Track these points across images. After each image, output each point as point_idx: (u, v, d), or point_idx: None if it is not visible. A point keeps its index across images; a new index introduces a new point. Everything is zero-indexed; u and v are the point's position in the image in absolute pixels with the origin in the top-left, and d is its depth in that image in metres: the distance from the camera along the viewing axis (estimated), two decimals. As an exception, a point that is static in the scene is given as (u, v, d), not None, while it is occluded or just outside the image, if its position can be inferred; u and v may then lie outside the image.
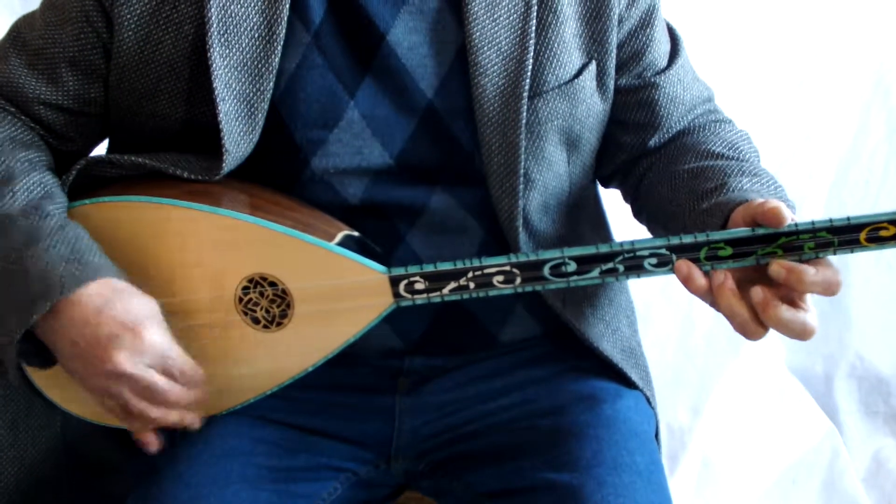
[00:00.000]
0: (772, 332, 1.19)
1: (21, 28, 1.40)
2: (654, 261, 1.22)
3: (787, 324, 1.18)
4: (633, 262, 1.22)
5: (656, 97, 1.45)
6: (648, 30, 1.44)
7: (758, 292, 1.19)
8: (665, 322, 2.43)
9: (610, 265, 1.22)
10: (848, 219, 1.17)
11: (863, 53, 2.42)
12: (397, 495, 1.48)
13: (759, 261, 1.20)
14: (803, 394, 2.51)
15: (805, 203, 2.47)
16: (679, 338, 2.44)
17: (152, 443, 1.31)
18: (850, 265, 2.48)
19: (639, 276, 1.23)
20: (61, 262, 1.22)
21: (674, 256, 1.21)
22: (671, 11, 2.11)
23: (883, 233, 1.16)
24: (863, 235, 1.17)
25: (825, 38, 2.41)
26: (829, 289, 1.19)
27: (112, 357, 1.20)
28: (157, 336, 1.22)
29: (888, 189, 2.48)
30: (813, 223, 1.17)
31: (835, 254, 1.18)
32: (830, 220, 1.17)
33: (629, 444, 1.35)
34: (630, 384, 1.45)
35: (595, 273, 1.23)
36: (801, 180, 2.46)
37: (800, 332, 1.19)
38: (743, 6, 2.38)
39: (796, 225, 1.17)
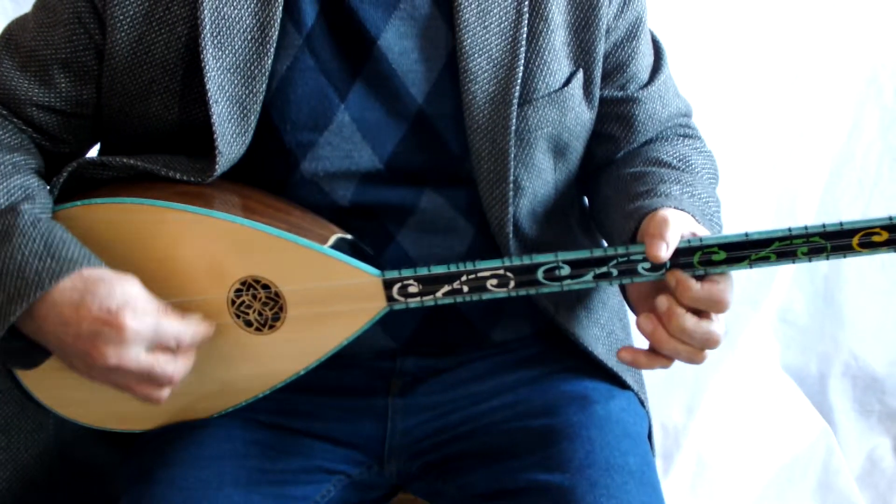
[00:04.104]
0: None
1: (13, 30, 1.40)
2: (647, 265, 1.22)
3: (691, 332, 1.21)
4: (627, 266, 1.22)
5: (635, 112, 1.46)
6: (634, 42, 1.45)
7: (662, 301, 1.22)
8: (658, 322, 2.42)
9: (604, 269, 1.22)
10: (841, 224, 1.17)
11: (856, 51, 2.42)
12: (391, 497, 1.48)
13: (753, 265, 1.20)
14: (798, 393, 2.51)
15: (799, 202, 2.46)
16: (673, 336, 2.44)
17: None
18: (845, 264, 2.49)
19: (632, 280, 1.23)
20: (35, 258, 1.21)
21: (667, 261, 1.21)
22: (666, 8, 2.12)
23: (875, 238, 1.17)
24: (855, 241, 1.17)
25: (818, 37, 2.40)
26: (714, 306, 1.22)
27: (100, 353, 1.20)
28: (138, 321, 1.20)
29: (882, 187, 2.47)
30: (806, 228, 1.17)
31: (828, 259, 1.19)
32: (823, 226, 1.17)
33: (622, 445, 1.35)
34: (623, 385, 1.45)
35: (589, 277, 1.23)
36: (794, 179, 2.46)
37: (703, 342, 1.22)
38: (736, 4, 2.38)
39: (789, 230, 1.18)
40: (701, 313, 1.22)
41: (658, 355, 1.26)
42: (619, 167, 1.46)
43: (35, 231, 1.23)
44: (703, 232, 1.26)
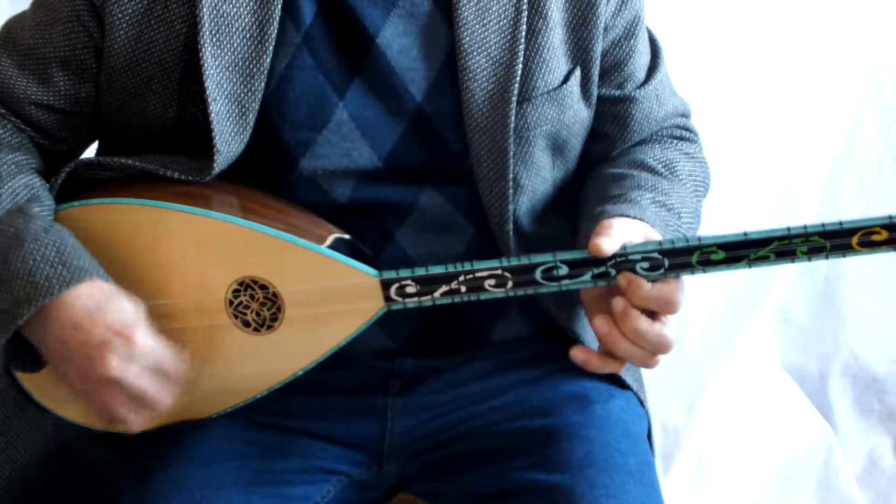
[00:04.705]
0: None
1: (11, 28, 1.40)
2: (645, 265, 1.21)
3: (644, 334, 1.23)
4: (626, 266, 1.21)
5: (632, 112, 1.46)
6: (632, 41, 1.44)
7: (617, 303, 1.23)
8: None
9: (602, 269, 1.21)
10: (840, 223, 1.16)
11: (856, 50, 2.42)
12: (390, 497, 1.48)
13: (752, 265, 1.20)
14: (798, 392, 2.51)
15: (799, 200, 2.46)
16: (673, 336, 2.43)
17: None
18: (845, 264, 2.49)
19: (630, 282, 1.23)
20: (46, 264, 1.21)
21: (666, 261, 1.20)
22: (665, 6, 2.11)
23: (875, 237, 1.16)
24: (855, 240, 1.17)
25: (818, 35, 2.40)
26: (665, 306, 1.24)
27: (104, 362, 1.20)
28: (148, 340, 1.22)
29: (882, 186, 2.48)
30: (805, 227, 1.17)
31: (827, 258, 1.18)
32: (823, 225, 1.17)
33: (621, 445, 1.35)
34: (622, 385, 1.45)
35: (587, 277, 1.22)
36: (794, 177, 2.46)
37: (656, 344, 1.24)
38: (736, 3, 2.38)
39: (788, 229, 1.17)
40: (654, 316, 1.24)
41: (610, 358, 1.28)
42: (605, 166, 1.46)
43: (48, 237, 1.23)
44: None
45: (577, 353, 1.30)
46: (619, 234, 1.24)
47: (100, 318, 1.21)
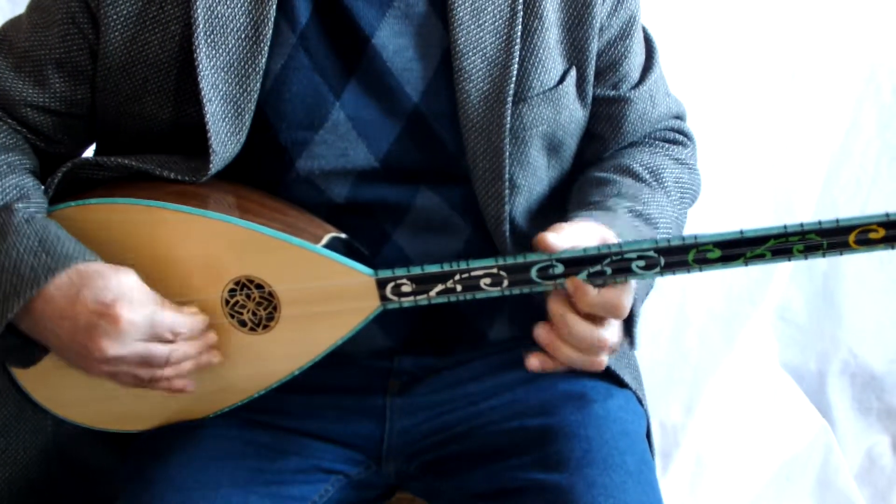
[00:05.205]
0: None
1: (7, 31, 1.40)
2: (641, 263, 1.21)
3: (583, 338, 1.22)
4: (621, 265, 1.21)
5: (626, 113, 1.46)
6: (627, 41, 1.44)
7: (555, 309, 1.22)
8: (658, 318, 2.42)
9: (597, 267, 1.21)
10: (837, 221, 1.16)
11: (854, 49, 2.42)
12: (389, 496, 1.48)
13: (748, 263, 1.19)
14: (796, 391, 2.51)
15: (797, 200, 2.46)
16: (672, 334, 2.44)
17: (185, 386, 1.29)
18: (843, 261, 2.49)
19: (626, 279, 1.22)
20: (29, 254, 1.21)
21: (662, 259, 1.20)
22: (662, 5, 2.11)
23: (872, 235, 1.16)
24: (852, 238, 1.16)
25: (817, 35, 2.40)
26: (612, 310, 1.22)
27: (97, 346, 1.20)
28: (134, 313, 1.21)
29: (880, 185, 2.47)
30: (802, 225, 1.16)
31: (824, 256, 1.18)
32: (819, 223, 1.16)
33: (620, 444, 1.35)
34: (621, 384, 1.45)
35: (583, 276, 1.22)
36: (792, 177, 2.46)
37: (596, 347, 1.23)
38: (734, 2, 2.38)
39: (785, 227, 1.17)
40: (596, 320, 1.22)
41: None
42: (593, 168, 1.46)
43: (29, 228, 1.23)
44: None
45: (532, 362, 1.26)
46: (570, 233, 1.23)
47: (81, 304, 1.20)
